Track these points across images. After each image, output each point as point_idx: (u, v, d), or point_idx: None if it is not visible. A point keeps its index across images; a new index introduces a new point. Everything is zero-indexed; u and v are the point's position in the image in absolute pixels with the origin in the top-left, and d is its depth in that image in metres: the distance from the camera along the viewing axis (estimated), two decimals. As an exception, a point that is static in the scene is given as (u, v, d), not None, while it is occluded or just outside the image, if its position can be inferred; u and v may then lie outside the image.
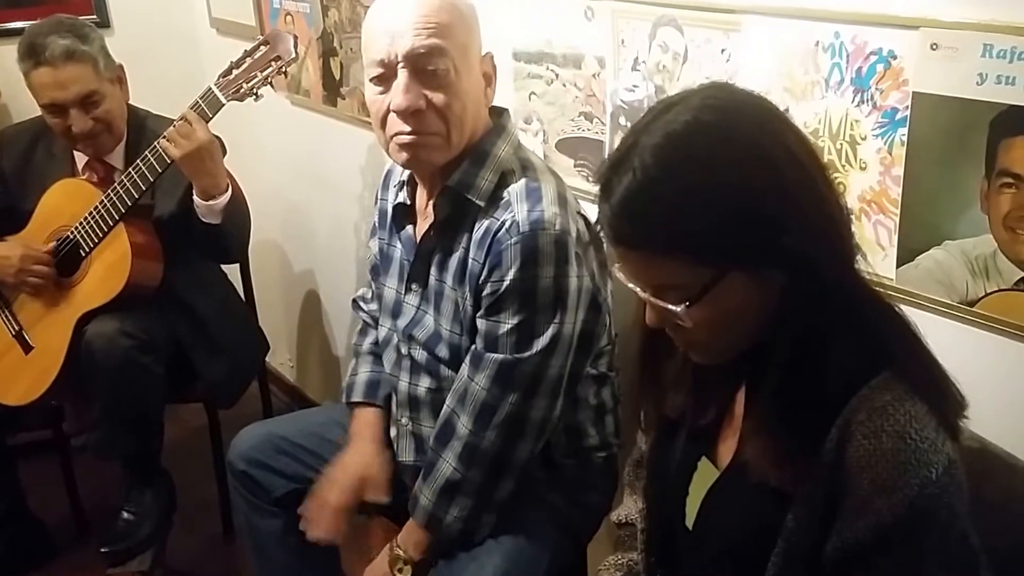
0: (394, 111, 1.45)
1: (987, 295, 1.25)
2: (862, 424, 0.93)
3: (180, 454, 2.58)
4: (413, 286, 1.64)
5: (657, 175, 0.92)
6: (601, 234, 0.99)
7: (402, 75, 1.43)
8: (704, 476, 1.12)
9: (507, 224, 1.45)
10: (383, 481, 1.68)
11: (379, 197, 1.76)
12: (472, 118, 1.49)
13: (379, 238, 1.75)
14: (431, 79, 1.43)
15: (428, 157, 1.50)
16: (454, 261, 1.54)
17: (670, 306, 0.95)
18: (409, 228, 1.64)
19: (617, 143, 1.70)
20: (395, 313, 1.70)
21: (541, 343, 1.46)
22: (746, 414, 1.07)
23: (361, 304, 1.91)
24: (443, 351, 1.59)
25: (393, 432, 1.75)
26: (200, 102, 2.03)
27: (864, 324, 0.97)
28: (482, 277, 1.48)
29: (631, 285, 1.01)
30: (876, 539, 0.92)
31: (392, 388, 1.73)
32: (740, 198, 0.91)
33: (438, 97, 1.44)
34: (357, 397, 1.79)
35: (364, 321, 1.89)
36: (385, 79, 1.45)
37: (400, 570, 1.59)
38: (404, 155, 1.49)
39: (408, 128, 1.45)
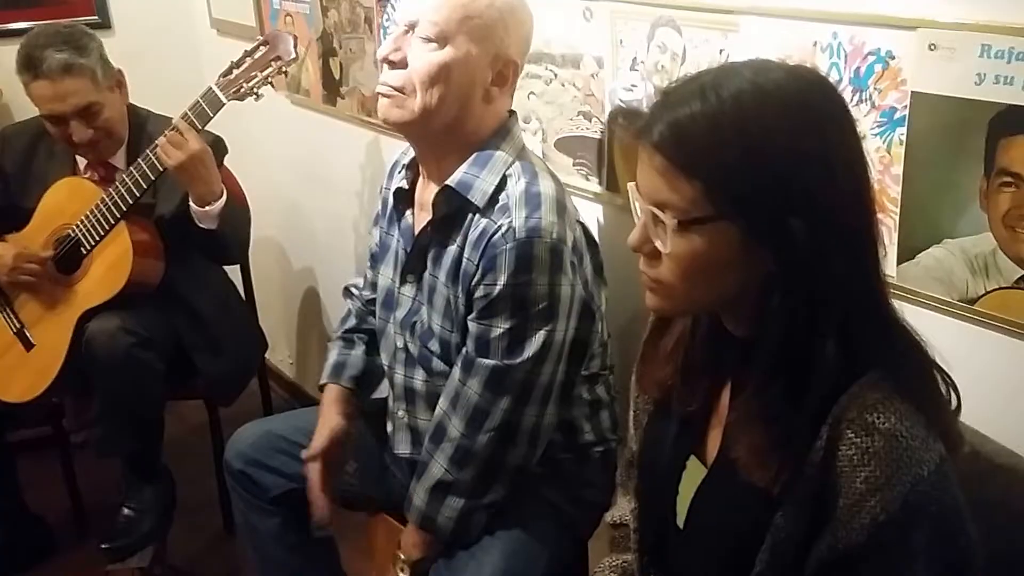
0: (378, 57, 1.51)
1: (987, 293, 1.25)
2: (852, 422, 0.94)
3: (181, 451, 2.58)
4: (409, 277, 1.65)
5: (725, 120, 0.93)
6: (640, 125, 0.99)
7: (396, 31, 1.50)
8: (693, 475, 1.12)
9: (503, 229, 1.45)
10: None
11: (383, 187, 1.77)
12: (456, 107, 1.50)
13: (380, 227, 1.76)
14: (418, 44, 1.47)
15: (387, 112, 1.52)
16: (448, 258, 1.55)
17: (663, 217, 0.96)
18: (408, 218, 1.65)
19: (615, 140, 1.73)
20: (389, 304, 1.71)
21: (532, 349, 1.47)
22: (730, 411, 1.07)
23: (352, 291, 1.92)
24: (435, 345, 1.60)
25: (389, 426, 1.75)
26: (200, 102, 2.03)
27: (859, 328, 0.97)
28: (475, 279, 1.48)
29: (636, 202, 1.02)
30: (870, 538, 0.93)
31: (388, 379, 1.74)
32: (785, 165, 0.92)
33: (414, 59, 1.47)
34: (324, 379, 1.83)
35: (348, 309, 1.91)
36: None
37: (401, 569, 1.61)
38: (380, 104, 1.53)
39: (382, 80, 1.51)
